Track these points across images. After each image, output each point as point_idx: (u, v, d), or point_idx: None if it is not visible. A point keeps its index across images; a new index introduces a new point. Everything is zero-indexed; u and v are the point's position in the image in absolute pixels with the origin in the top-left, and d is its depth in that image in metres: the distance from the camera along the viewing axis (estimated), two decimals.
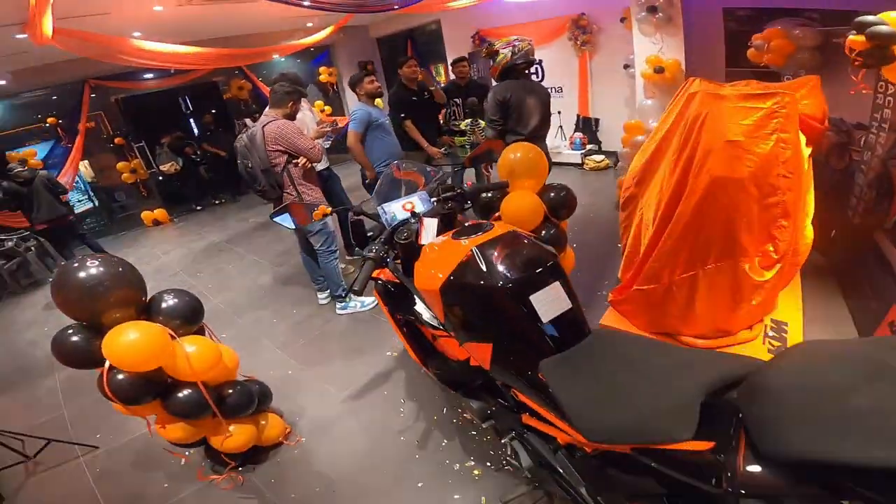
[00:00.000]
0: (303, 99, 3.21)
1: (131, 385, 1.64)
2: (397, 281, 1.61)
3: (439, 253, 1.41)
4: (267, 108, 2.99)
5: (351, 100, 8.72)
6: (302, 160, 2.90)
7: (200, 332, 1.98)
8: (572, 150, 6.34)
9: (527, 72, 3.07)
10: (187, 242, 6.10)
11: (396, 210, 1.71)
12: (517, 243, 1.31)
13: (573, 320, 1.19)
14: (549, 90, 3.34)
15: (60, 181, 5.43)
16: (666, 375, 0.99)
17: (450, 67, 5.22)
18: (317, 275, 3.46)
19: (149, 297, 1.71)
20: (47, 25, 2.74)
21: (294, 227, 1.67)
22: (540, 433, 1.32)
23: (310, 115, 3.72)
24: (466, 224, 1.52)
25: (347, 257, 4.14)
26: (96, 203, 7.43)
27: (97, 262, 1.48)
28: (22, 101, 6.67)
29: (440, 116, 4.45)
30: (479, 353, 1.29)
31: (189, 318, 1.79)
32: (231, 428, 2.07)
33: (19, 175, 4.63)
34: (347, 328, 3.25)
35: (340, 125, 3.54)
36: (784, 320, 2.40)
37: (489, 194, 2.22)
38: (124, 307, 1.56)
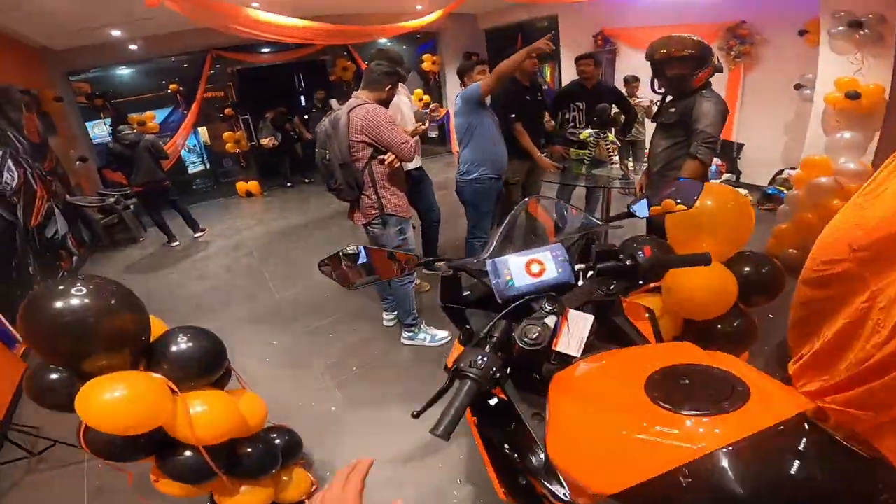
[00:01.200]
0: (401, 84, 2.74)
1: (115, 444, 1.22)
2: (503, 396, 1.00)
3: (613, 425, 0.73)
4: (358, 90, 2.51)
5: (452, 90, 8.25)
6: (389, 157, 2.39)
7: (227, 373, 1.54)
8: None
9: None
10: (269, 220, 6.04)
11: (516, 270, 1.05)
12: (832, 457, 0.61)
13: None
14: None
15: (168, 148, 5.68)
16: None
17: (553, 67, 4.47)
18: (386, 293, 2.98)
19: (153, 338, 1.27)
20: None
21: (365, 282, 1.10)
22: None
23: (406, 103, 3.17)
24: (679, 369, 0.78)
25: (424, 271, 3.63)
26: (208, 166, 7.87)
27: (83, 291, 1.04)
28: (150, 67, 7.04)
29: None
30: None
31: (206, 367, 1.34)
32: (243, 489, 1.63)
33: (126, 137, 4.78)
34: (410, 364, 2.74)
35: (439, 114, 2.96)
36: None
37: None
38: (114, 352, 1.13)
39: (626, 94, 4.50)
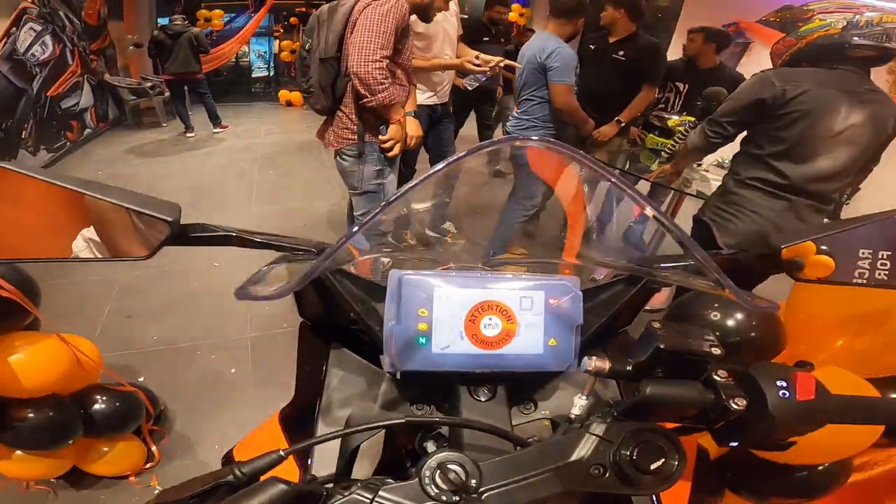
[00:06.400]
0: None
1: None
2: None
3: None
4: None
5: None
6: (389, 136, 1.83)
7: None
8: None
9: (864, 66, 1.41)
10: (293, 131, 5.77)
11: (446, 316, 0.48)
12: None
13: None
14: None
15: (219, 51, 5.90)
16: None
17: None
18: None
19: None
20: None
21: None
22: None
23: (453, 24, 2.39)
24: None
25: (427, 231, 2.93)
26: (272, 73, 7.99)
27: None
28: None
29: None
30: None
31: None
32: (17, 454, 1.22)
33: (171, 28, 4.80)
34: None
35: (497, 65, 2.21)
36: None
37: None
38: None
39: None
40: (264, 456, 0.36)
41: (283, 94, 7.10)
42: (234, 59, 7.46)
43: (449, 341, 0.47)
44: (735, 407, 0.36)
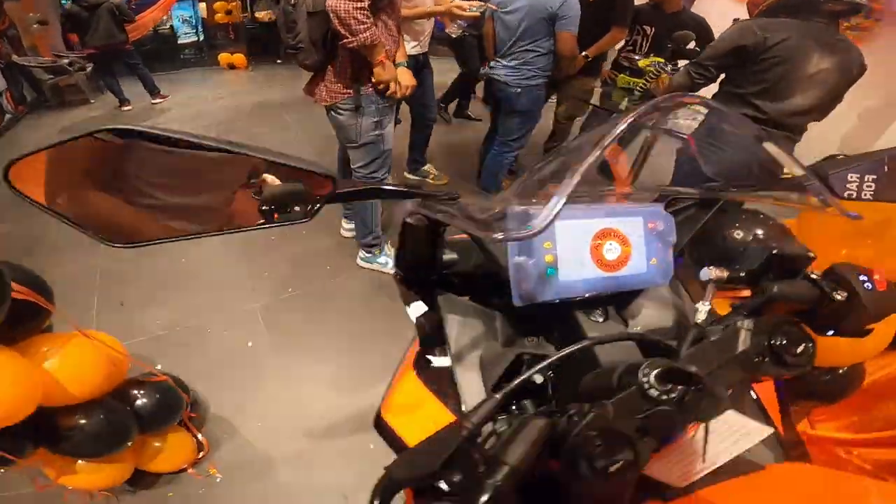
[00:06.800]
0: None
1: None
2: None
3: None
4: None
5: None
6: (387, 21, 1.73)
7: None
8: None
9: (835, 18, 1.65)
10: (243, 94, 5.50)
11: (571, 247, 0.51)
12: None
13: None
14: None
15: (144, 17, 5.49)
16: None
17: None
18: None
19: None
20: None
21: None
22: None
23: None
24: None
25: (407, 174, 3.13)
26: (201, 38, 7.37)
27: None
28: None
29: None
30: None
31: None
32: (80, 464, 1.21)
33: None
34: (362, 292, 2.21)
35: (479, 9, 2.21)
36: None
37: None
38: None
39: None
40: (483, 404, 0.38)
41: (224, 56, 6.60)
42: (152, 28, 6.72)
43: (574, 269, 0.51)
44: (839, 298, 0.44)
